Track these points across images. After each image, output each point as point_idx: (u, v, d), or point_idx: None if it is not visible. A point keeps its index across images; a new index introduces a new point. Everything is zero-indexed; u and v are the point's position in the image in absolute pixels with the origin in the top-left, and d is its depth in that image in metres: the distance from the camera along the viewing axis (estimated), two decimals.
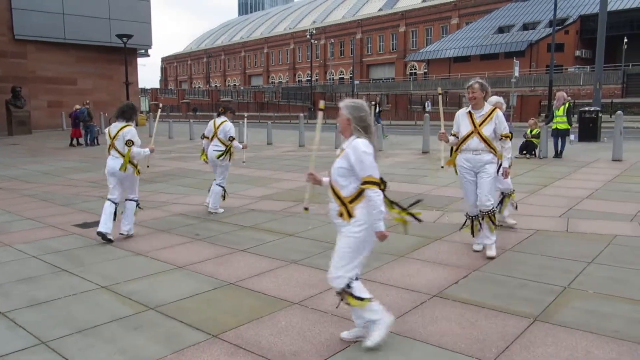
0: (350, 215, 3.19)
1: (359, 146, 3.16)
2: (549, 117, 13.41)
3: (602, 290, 4.15)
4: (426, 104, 40.15)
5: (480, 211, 5.12)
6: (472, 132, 5.02)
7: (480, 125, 4.99)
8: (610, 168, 10.64)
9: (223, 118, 7.60)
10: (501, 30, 54.69)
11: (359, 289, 3.26)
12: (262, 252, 5.47)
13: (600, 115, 16.67)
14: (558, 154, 12.63)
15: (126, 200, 6.26)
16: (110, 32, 28.65)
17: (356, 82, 59.77)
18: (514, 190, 6.31)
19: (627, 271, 4.59)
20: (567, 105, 12.91)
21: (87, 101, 21.81)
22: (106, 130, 6.24)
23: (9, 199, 9.09)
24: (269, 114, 47.84)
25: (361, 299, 3.23)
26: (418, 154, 14.35)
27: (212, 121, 7.70)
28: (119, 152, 6.03)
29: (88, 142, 19.65)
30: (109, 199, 6.12)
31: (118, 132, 6.03)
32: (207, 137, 7.60)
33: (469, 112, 5.11)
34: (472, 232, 5.31)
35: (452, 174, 5.84)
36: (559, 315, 3.71)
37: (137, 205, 6.35)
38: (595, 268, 4.71)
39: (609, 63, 37.81)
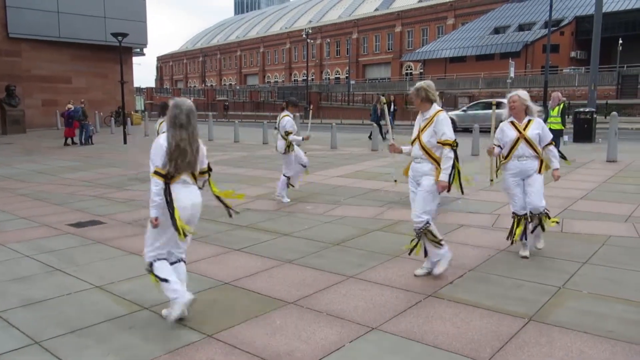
0: None
1: (157, 139, 3.59)
2: (544, 118, 13.46)
3: (596, 291, 4.17)
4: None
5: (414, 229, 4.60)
6: (415, 139, 4.56)
7: (422, 130, 4.50)
8: (605, 169, 10.69)
9: (285, 112, 7.92)
10: (497, 30, 54.80)
11: (159, 268, 3.65)
12: (257, 252, 5.46)
13: (595, 116, 16.75)
14: None
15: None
16: (105, 31, 28.49)
17: (352, 82, 59.77)
18: (547, 212, 5.14)
19: (622, 271, 4.61)
20: (562, 105, 12.94)
21: (82, 100, 21.73)
22: (156, 125, 7.31)
23: (3, 198, 9.04)
24: (265, 114, 47.74)
25: (157, 278, 3.64)
26: None
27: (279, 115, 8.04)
28: None
29: (82, 141, 19.55)
30: None
31: None
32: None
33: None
34: (411, 251, 4.70)
35: None
36: (554, 316, 3.72)
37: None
38: (590, 268, 4.73)
39: (604, 64, 37.95)
